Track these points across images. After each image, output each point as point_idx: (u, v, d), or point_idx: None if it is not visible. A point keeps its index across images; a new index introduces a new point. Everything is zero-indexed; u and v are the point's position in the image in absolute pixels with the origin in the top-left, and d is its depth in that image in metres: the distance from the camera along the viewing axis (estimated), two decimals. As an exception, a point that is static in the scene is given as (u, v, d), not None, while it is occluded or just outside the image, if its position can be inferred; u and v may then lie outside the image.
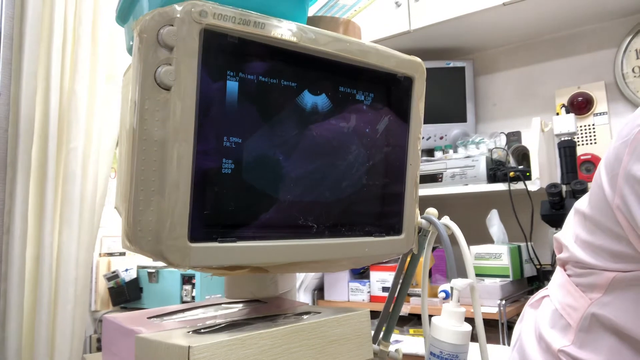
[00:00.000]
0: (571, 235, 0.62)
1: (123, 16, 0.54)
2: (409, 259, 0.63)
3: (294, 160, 0.48)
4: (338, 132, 0.51)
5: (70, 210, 1.23)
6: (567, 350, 0.58)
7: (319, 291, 1.77)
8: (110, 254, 2.06)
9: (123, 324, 0.51)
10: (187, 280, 1.87)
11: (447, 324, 0.52)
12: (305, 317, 0.52)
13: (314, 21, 0.52)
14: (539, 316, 0.64)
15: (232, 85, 0.43)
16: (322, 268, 0.54)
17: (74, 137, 1.23)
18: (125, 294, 1.95)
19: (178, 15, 0.39)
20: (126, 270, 1.99)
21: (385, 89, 0.54)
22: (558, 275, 0.65)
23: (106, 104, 1.31)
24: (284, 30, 0.44)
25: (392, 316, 0.65)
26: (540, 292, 0.68)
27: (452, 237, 0.57)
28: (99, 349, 1.84)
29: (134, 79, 0.39)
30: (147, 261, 2.03)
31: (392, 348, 0.65)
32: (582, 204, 0.61)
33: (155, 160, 0.40)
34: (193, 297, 1.86)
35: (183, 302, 1.84)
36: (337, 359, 0.49)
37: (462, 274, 0.54)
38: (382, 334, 0.65)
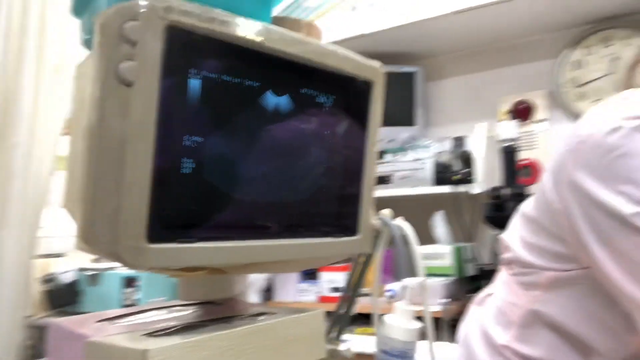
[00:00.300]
0: (516, 237, 0.66)
1: (79, 8, 0.52)
2: (363, 259, 0.64)
3: (255, 160, 0.48)
4: (299, 134, 0.51)
5: (10, 209, 1.16)
6: (509, 345, 0.62)
7: (267, 292, 1.77)
8: (48, 256, 1.96)
9: (71, 328, 0.49)
10: (129, 283, 1.81)
11: (399, 321, 0.54)
12: (260, 318, 0.52)
13: (277, 22, 0.52)
14: (484, 313, 0.68)
15: (195, 83, 0.43)
16: (280, 268, 0.54)
17: (17, 131, 1.16)
18: (62, 298, 1.86)
19: (143, 10, 0.38)
20: (64, 272, 1.90)
21: (345, 92, 0.55)
22: (502, 274, 0.69)
23: (52, 98, 1.25)
24: (249, 30, 0.44)
25: (345, 316, 0.66)
26: (485, 291, 0.72)
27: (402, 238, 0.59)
28: (33, 357, 1.74)
29: (94, 74, 0.38)
30: (87, 263, 1.95)
31: (342, 347, 0.66)
32: (527, 206, 0.65)
33: (114, 158, 0.39)
34: (135, 301, 1.80)
35: (124, 305, 1.77)
36: (292, 358, 0.49)
37: (409, 273, 0.56)
38: (333, 333, 0.66)
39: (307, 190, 0.52)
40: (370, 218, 0.60)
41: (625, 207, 0.50)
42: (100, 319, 0.55)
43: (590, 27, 1.81)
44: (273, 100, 0.49)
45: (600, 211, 0.52)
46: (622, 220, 0.50)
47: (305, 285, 1.68)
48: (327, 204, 0.54)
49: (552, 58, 1.86)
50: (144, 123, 0.39)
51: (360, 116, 0.56)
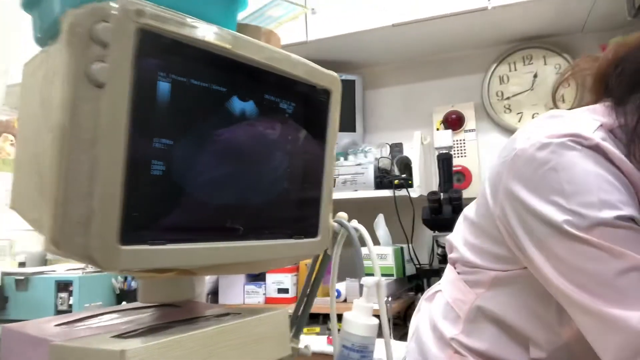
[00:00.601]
0: (460, 238, 0.71)
1: (30, 4, 0.50)
2: (320, 259, 0.67)
3: (223, 164, 0.49)
4: (264, 139, 0.53)
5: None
6: (457, 338, 0.66)
7: (213, 295, 1.75)
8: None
9: (29, 332, 0.48)
10: (62, 287, 1.72)
11: (359, 318, 0.57)
12: (226, 318, 0.53)
13: (239, 29, 0.54)
14: (433, 309, 0.72)
15: (165, 86, 0.43)
16: (246, 269, 0.55)
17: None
18: (-15, 305, 1.73)
19: (114, 13, 0.38)
20: (-13, 278, 1.77)
21: (306, 99, 0.57)
22: (449, 272, 0.74)
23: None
24: (218, 36, 0.45)
25: (303, 315, 0.68)
26: (434, 287, 0.76)
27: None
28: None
29: (63, 74, 0.38)
30: (13, 268, 1.84)
31: (301, 345, 0.68)
32: (470, 211, 0.71)
33: (85, 160, 0.38)
34: (70, 306, 1.72)
35: (59, 311, 1.69)
36: (259, 357, 0.51)
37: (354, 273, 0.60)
38: (291, 332, 0.68)
39: (272, 194, 0.53)
40: (329, 220, 0.62)
41: (556, 215, 0.55)
42: (56, 323, 0.53)
43: (514, 46, 1.96)
44: (239, 105, 0.50)
45: (535, 218, 0.58)
46: (554, 227, 0.56)
47: (252, 287, 1.67)
48: (290, 207, 0.56)
49: (481, 72, 1.99)
50: (115, 125, 0.39)
51: (319, 123, 0.59)
